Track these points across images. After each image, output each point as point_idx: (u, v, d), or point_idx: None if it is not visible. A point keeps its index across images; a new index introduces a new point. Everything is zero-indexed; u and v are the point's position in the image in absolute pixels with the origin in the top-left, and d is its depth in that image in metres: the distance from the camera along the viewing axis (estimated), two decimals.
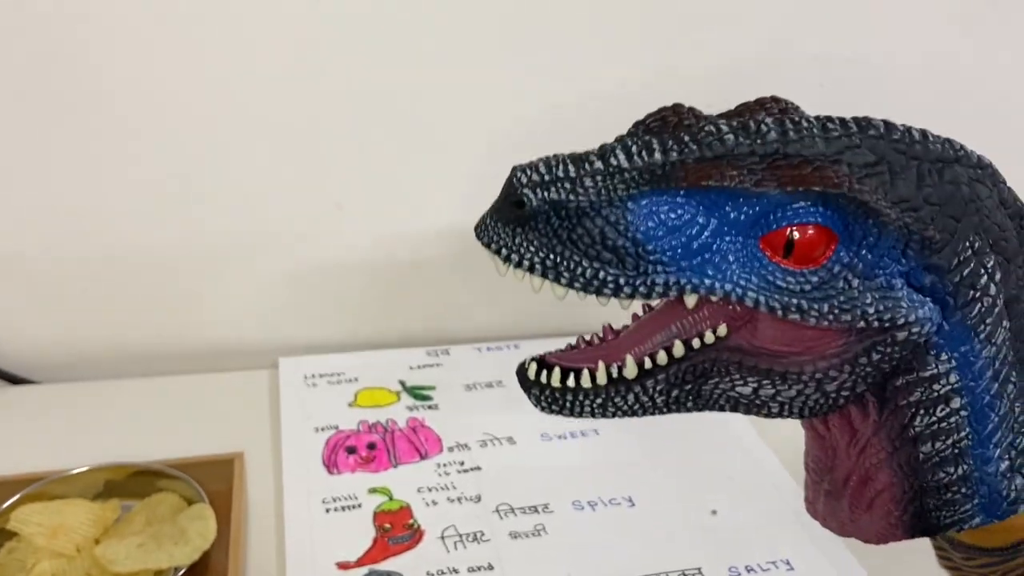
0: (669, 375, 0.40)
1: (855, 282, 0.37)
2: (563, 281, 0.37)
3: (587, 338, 0.43)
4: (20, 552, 0.60)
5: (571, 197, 0.36)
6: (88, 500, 0.64)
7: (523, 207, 0.36)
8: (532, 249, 0.36)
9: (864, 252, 0.37)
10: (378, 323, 0.91)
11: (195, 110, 0.78)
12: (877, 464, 0.41)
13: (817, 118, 0.38)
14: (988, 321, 0.39)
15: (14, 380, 0.83)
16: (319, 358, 0.87)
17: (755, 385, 0.40)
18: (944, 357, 0.39)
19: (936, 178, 0.38)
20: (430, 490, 0.72)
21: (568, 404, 0.40)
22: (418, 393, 0.83)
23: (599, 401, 0.40)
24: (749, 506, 0.71)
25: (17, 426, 0.77)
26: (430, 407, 0.81)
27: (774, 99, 0.41)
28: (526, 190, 0.36)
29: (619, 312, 0.40)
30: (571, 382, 0.40)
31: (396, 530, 0.67)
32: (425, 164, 0.83)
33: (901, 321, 0.37)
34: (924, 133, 0.39)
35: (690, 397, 0.40)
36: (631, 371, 0.40)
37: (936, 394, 0.39)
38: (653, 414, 0.41)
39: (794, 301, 0.37)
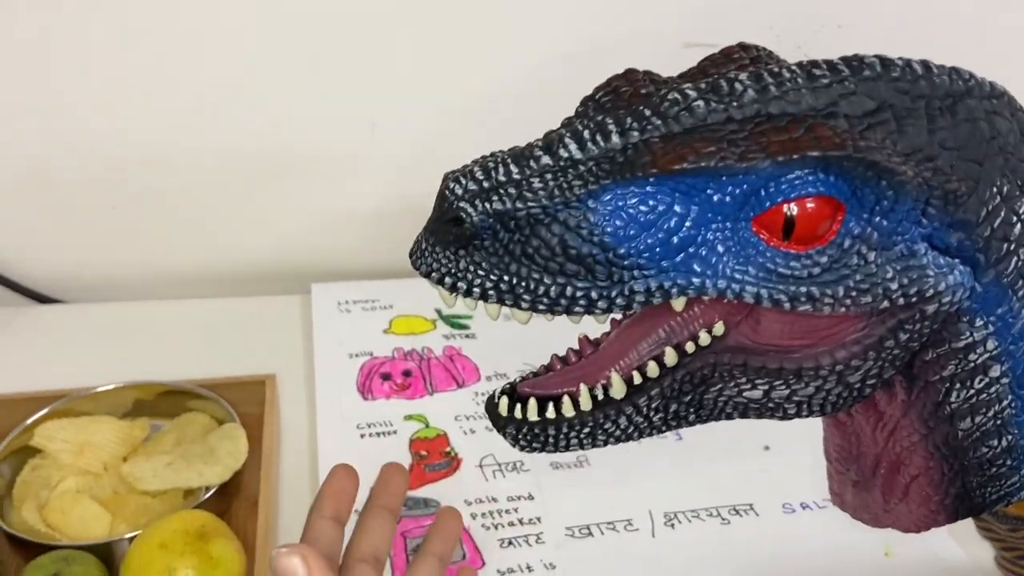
0: (663, 388, 0.34)
1: (871, 255, 0.32)
2: (524, 305, 0.31)
3: (561, 355, 0.37)
4: (45, 469, 0.58)
5: (519, 204, 0.30)
6: (116, 418, 0.61)
7: (462, 224, 0.30)
8: (481, 273, 0.31)
9: (878, 219, 0.31)
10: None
11: (227, 25, 0.74)
12: (910, 447, 0.37)
13: (800, 65, 0.32)
14: None
15: (42, 299, 0.81)
16: (352, 284, 0.84)
17: (765, 388, 0.35)
18: (979, 323, 0.34)
19: (949, 118, 0.32)
20: (468, 418, 0.69)
21: (551, 439, 0.34)
22: (455, 322, 0.80)
23: (587, 430, 0.34)
24: (803, 444, 0.67)
25: (45, 345, 0.75)
26: (467, 336, 0.78)
27: (742, 47, 0.35)
28: (463, 204, 0.30)
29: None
30: (551, 413, 0.34)
31: (433, 457, 0.65)
32: (462, 80, 0.79)
33: (930, 293, 0.32)
34: (927, 65, 0.33)
35: (691, 410, 0.35)
36: (619, 390, 0.34)
37: (972, 365, 0.34)
38: (651, 434, 0.36)
39: (802, 289, 0.31)
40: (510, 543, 0.58)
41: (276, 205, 0.83)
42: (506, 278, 0.31)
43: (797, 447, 0.67)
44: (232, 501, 0.59)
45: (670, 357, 0.35)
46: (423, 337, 0.78)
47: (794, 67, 0.32)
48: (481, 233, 0.31)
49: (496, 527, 0.59)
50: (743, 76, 0.32)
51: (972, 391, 0.35)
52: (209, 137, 0.79)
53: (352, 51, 0.77)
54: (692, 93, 0.31)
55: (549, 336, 0.84)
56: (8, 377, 0.67)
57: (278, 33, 0.75)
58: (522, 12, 0.77)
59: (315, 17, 0.75)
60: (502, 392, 0.36)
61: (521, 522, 0.60)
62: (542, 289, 0.31)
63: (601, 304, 0.31)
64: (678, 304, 0.33)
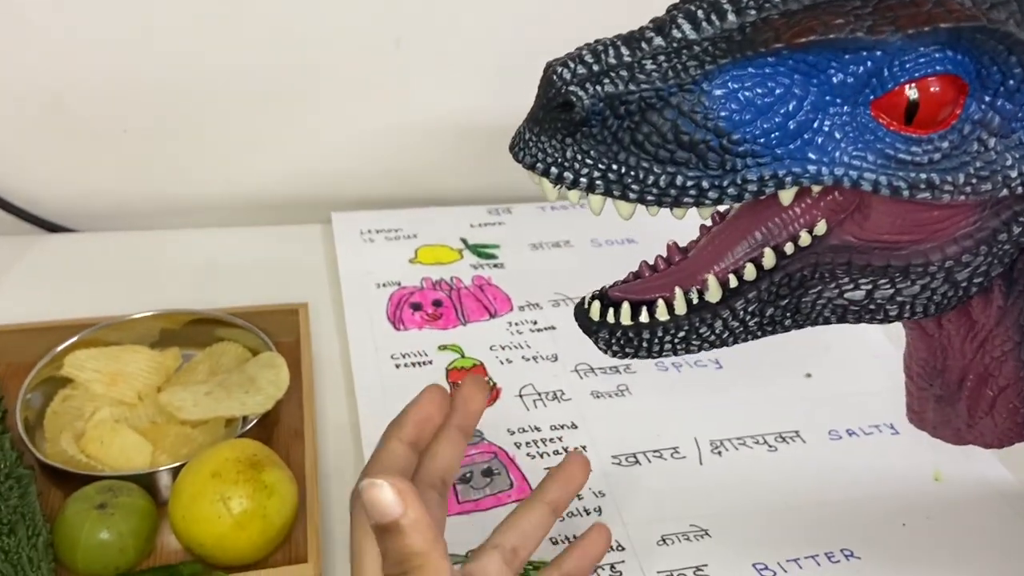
0: (761, 292, 0.34)
1: (991, 141, 0.31)
2: (632, 196, 0.30)
3: (651, 263, 0.37)
4: (76, 400, 0.56)
5: (631, 87, 0.29)
6: (147, 348, 0.59)
7: (572, 109, 0.29)
8: (589, 162, 0.30)
9: (1001, 102, 0.30)
10: (435, 179, 0.84)
11: None
12: (1000, 357, 0.36)
13: None
14: None
15: (51, 228, 0.78)
16: (374, 213, 0.81)
17: (869, 287, 0.34)
18: None
19: None
20: (503, 348, 0.67)
21: (645, 344, 0.34)
22: (482, 251, 0.78)
23: (681, 334, 0.34)
24: (846, 372, 0.67)
25: (60, 275, 0.72)
26: (495, 266, 0.76)
27: None
28: (572, 87, 0.29)
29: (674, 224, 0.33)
30: (644, 317, 0.34)
31: None
32: None
33: None
34: None
35: (787, 314, 0.34)
36: (715, 294, 0.34)
37: None
38: (747, 340, 0.35)
39: (922, 176, 0.30)
40: None
41: (293, 129, 0.80)
42: (615, 167, 0.30)
43: (839, 374, 0.66)
44: (272, 431, 0.57)
45: (768, 259, 0.34)
46: (450, 267, 0.76)
47: None
48: (591, 119, 0.29)
49: (542, 456, 0.58)
50: None
51: None
52: (222, 58, 0.75)
53: None
54: None
55: (577, 265, 0.82)
56: (26, 307, 0.64)
57: None
58: None
59: None
60: (593, 297, 0.35)
61: (566, 450, 0.59)
62: (651, 179, 0.30)
63: (712, 194, 0.30)
64: (787, 196, 0.32)
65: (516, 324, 0.70)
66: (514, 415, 0.61)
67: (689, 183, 0.30)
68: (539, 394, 0.63)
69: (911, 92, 0.30)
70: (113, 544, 0.46)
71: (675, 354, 0.35)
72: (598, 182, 0.30)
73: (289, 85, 0.77)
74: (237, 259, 0.75)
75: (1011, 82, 0.30)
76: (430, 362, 0.65)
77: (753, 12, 0.30)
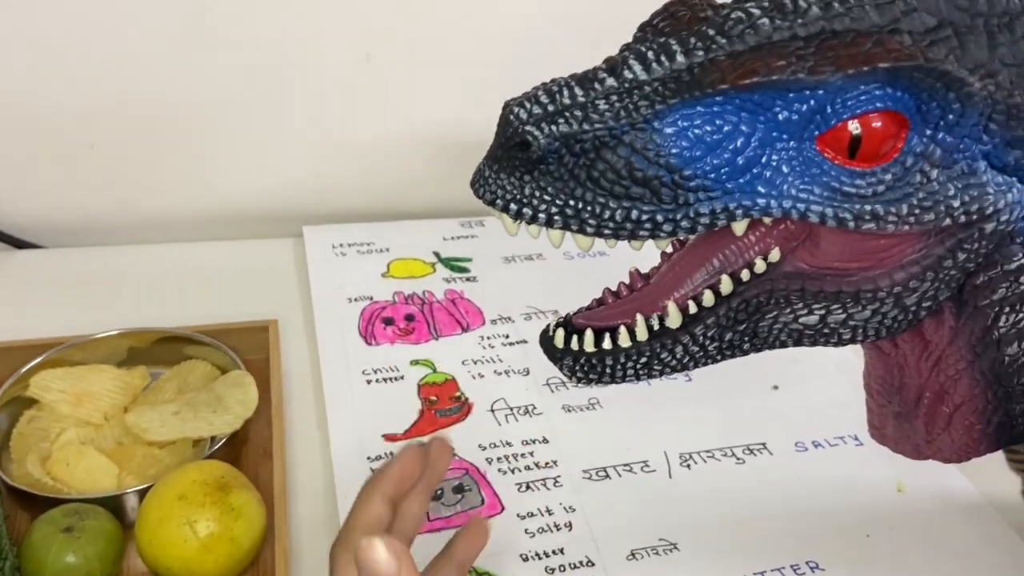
0: (719, 317, 0.35)
1: (933, 173, 0.32)
2: (589, 230, 0.31)
3: (613, 289, 0.38)
4: (42, 421, 0.56)
5: (585, 126, 0.30)
6: (113, 367, 0.59)
7: (529, 147, 0.30)
8: (547, 198, 0.31)
9: (941, 135, 0.32)
10: (407, 192, 0.84)
11: None
12: (955, 376, 0.38)
13: None
14: None
15: (18, 244, 0.77)
16: (346, 227, 0.81)
17: (822, 312, 0.35)
18: None
19: (1007, 34, 0.32)
20: (475, 363, 0.67)
21: (608, 370, 0.35)
22: (454, 265, 0.78)
23: (643, 360, 0.35)
24: (811, 384, 0.67)
25: (26, 292, 0.71)
26: (468, 279, 0.76)
27: None
28: (529, 127, 0.30)
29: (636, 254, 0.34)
30: (607, 344, 0.35)
31: (443, 402, 0.63)
32: (463, 10, 0.75)
33: (990, 211, 0.33)
34: None
35: (745, 338, 0.36)
36: (675, 320, 0.35)
37: (1023, 288, 0.35)
38: (707, 364, 0.36)
39: (867, 208, 0.32)
40: (528, 487, 0.58)
41: (263, 143, 0.79)
42: (571, 203, 0.31)
43: (805, 386, 0.67)
44: (241, 450, 0.57)
45: (725, 285, 0.35)
46: (423, 281, 0.76)
47: None
48: (548, 157, 0.31)
49: (513, 471, 0.59)
50: None
51: (1021, 315, 0.35)
52: (192, 73, 0.74)
53: None
54: (756, 11, 0.31)
55: (550, 278, 0.83)
56: None
57: None
58: None
59: None
60: (557, 325, 0.36)
61: (538, 466, 0.59)
62: (607, 213, 0.31)
63: (666, 227, 0.31)
64: (740, 227, 0.33)
65: (488, 338, 0.70)
66: (486, 430, 0.62)
67: (644, 217, 0.31)
68: (511, 409, 0.64)
69: (853, 128, 0.31)
70: (80, 568, 0.46)
71: (637, 379, 0.36)
72: (556, 217, 0.31)
73: (259, 99, 0.77)
74: (207, 274, 0.75)
75: (950, 116, 0.31)
76: (402, 377, 0.65)
77: (701, 53, 0.31)
